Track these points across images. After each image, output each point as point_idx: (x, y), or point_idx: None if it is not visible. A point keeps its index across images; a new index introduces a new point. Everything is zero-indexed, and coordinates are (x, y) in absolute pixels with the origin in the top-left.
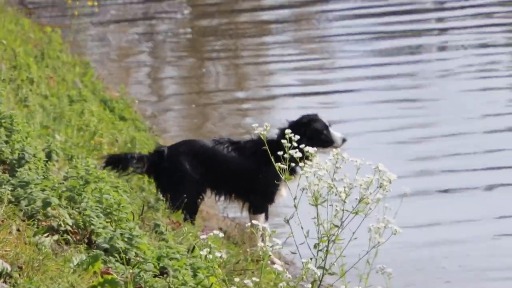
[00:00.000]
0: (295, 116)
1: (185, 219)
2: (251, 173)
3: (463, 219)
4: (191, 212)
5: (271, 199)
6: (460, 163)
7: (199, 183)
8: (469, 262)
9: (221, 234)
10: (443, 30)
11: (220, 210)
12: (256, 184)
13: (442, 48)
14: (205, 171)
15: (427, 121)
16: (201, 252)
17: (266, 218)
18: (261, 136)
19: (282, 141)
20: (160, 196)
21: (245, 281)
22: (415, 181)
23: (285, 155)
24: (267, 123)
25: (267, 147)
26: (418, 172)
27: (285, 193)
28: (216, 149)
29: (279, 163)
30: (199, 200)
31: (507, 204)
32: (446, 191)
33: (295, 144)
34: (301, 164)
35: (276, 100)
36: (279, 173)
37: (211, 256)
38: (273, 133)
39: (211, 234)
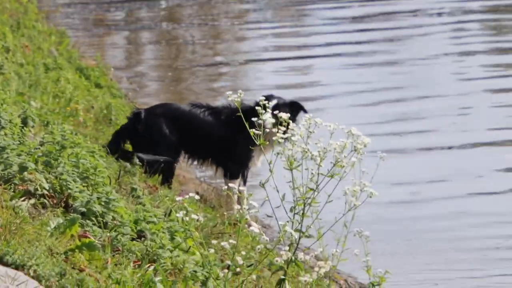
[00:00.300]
0: (269, 80)
1: (162, 183)
2: (226, 139)
3: (436, 178)
4: (167, 175)
5: (245, 165)
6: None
7: (175, 146)
8: (442, 222)
9: (197, 197)
10: None
11: (196, 174)
12: (231, 150)
13: (415, 14)
14: (182, 134)
15: (403, 84)
16: (178, 215)
17: (244, 183)
18: (236, 103)
19: (257, 108)
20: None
21: (222, 244)
22: (388, 140)
23: (259, 121)
24: (241, 90)
25: (241, 114)
26: (392, 132)
27: (259, 161)
28: (193, 113)
29: (254, 129)
30: (175, 164)
31: (477, 163)
32: (420, 149)
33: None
34: (274, 130)
35: (251, 64)
36: (253, 139)
37: (187, 219)
38: (249, 100)
39: (187, 196)
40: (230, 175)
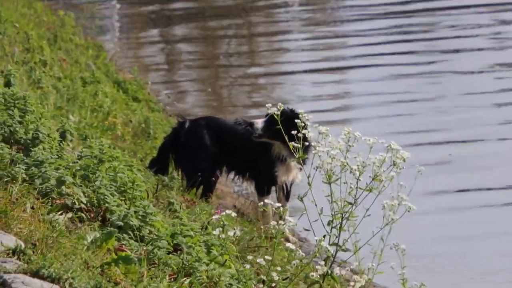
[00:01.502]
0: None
1: (201, 196)
2: (255, 154)
3: (471, 187)
4: (206, 187)
5: (271, 181)
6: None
7: (215, 158)
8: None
9: (234, 214)
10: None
11: (234, 188)
12: (259, 166)
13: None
14: (222, 148)
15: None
16: (214, 232)
17: (287, 198)
18: (274, 116)
19: (296, 120)
20: (175, 173)
21: (258, 260)
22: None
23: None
24: (280, 103)
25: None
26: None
27: (289, 177)
28: (234, 127)
29: (293, 142)
30: (216, 175)
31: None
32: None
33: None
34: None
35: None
36: (292, 151)
37: (223, 236)
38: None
39: (224, 213)
40: (257, 191)
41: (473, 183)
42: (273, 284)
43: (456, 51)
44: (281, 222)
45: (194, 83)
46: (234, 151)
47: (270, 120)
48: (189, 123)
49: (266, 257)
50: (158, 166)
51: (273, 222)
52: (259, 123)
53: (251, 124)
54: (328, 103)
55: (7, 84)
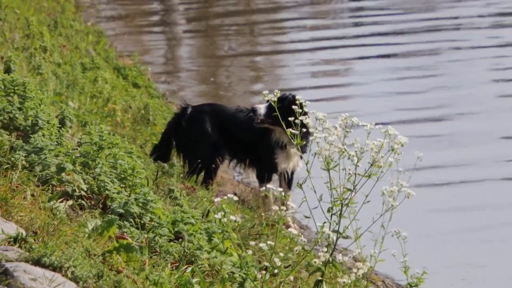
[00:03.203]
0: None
1: (202, 183)
2: (256, 142)
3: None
4: (206, 174)
5: (271, 169)
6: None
7: (216, 145)
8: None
9: (235, 198)
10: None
11: (234, 175)
12: (259, 153)
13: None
14: (223, 134)
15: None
16: (216, 216)
17: (289, 186)
18: (272, 103)
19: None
20: (176, 161)
21: (260, 245)
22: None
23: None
24: (277, 90)
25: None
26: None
27: (289, 164)
28: (236, 114)
29: (291, 129)
30: (217, 162)
31: None
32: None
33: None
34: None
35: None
36: (290, 138)
37: (225, 220)
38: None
39: (225, 198)
40: (258, 178)
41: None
42: (276, 271)
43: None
44: (283, 208)
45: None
46: (235, 138)
47: (272, 106)
48: (191, 109)
49: (269, 242)
50: (159, 152)
51: (274, 208)
52: (261, 108)
53: (253, 110)
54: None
55: (7, 70)
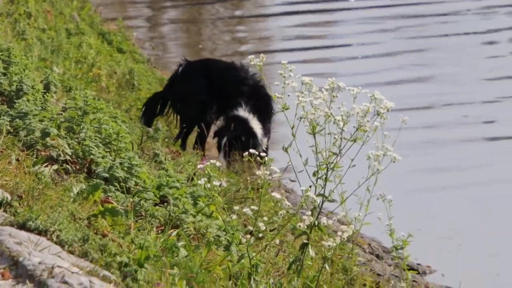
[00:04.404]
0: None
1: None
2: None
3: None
4: (199, 133)
5: None
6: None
7: (206, 104)
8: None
9: (219, 164)
10: None
11: None
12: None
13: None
14: (213, 91)
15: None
16: (199, 182)
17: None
18: (257, 67)
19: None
20: (160, 125)
21: (245, 210)
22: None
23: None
24: (263, 54)
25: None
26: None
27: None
28: (227, 72)
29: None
30: (208, 121)
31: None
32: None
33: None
34: None
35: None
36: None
37: (209, 186)
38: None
39: (209, 163)
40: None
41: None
42: (260, 235)
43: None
44: (266, 172)
45: (178, 32)
46: (223, 94)
47: None
48: (183, 66)
49: (253, 207)
50: (145, 116)
51: (259, 172)
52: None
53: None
54: (313, 42)
55: None
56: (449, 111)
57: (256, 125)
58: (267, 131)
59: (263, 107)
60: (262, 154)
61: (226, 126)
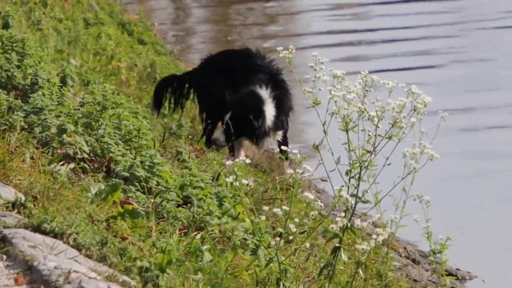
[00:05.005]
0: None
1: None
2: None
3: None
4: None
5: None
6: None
7: (224, 98)
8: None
9: (248, 160)
10: None
11: None
12: None
13: None
14: (233, 82)
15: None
16: (227, 179)
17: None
18: (286, 59)
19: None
20: (184, 121)
21: (275, 210)
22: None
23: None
24: (292, 46)
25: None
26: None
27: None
28: (245, 62)
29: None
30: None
31: None
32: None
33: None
34: None
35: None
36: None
37: (237, 184)
38: None
39: (237, 160)
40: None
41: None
42: (291, 237)
43: None
44: (298, 171)
45: (204, 24)
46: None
47: None
48: (204, 60)
49: (283, 207)
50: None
51: (289, 171)
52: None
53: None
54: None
55: (5, 26)
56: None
57: (270, 110)
58: (280, 124)
59: (281, 99)
60: (283, 147)
61: (238, 100)
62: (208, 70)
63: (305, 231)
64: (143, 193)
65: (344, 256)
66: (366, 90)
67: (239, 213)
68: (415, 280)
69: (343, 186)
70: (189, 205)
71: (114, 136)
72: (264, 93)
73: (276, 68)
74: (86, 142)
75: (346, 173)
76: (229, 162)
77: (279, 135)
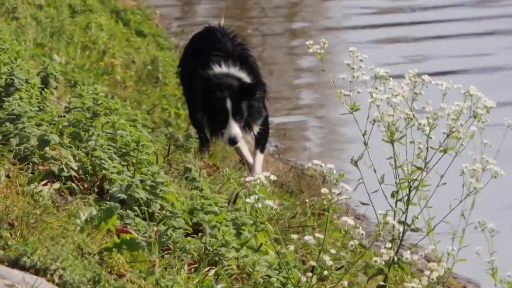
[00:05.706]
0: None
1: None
2: None
3: None
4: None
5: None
6: None
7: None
8: None
9: (273, 177)
10: None
11: (271, 151)
12: None
13: None
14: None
15: None
16: (247, 200)
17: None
18: (317, 56)
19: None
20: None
21: (306, 238)
22: None
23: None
24: (325, 39)
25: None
26: None
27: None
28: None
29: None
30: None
31: None
32: None
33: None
34: None
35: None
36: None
37: (259, 206)
38: None
39: (258, 178)
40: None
41: None
42: (325, 273)
43: None
44: (334, 191)
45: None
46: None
47: None
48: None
49: (316, 235)
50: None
51: (323, 191)
52: None
53: None
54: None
55: None
56: None
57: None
58: (257, 111)
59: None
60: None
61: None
62: (184, 64)
63: (343, 266)
64: (144, 219)
65: None
66: (415, 93)
67: (261, 244)
68: None
69: (388, 210)
70: (200, 234)
71: (108, 149)
72: (236, 71)
73: (240, 42)
74: (74, 156)
75: (392, 195)
76: (249, 179)
77: (258, 124)
